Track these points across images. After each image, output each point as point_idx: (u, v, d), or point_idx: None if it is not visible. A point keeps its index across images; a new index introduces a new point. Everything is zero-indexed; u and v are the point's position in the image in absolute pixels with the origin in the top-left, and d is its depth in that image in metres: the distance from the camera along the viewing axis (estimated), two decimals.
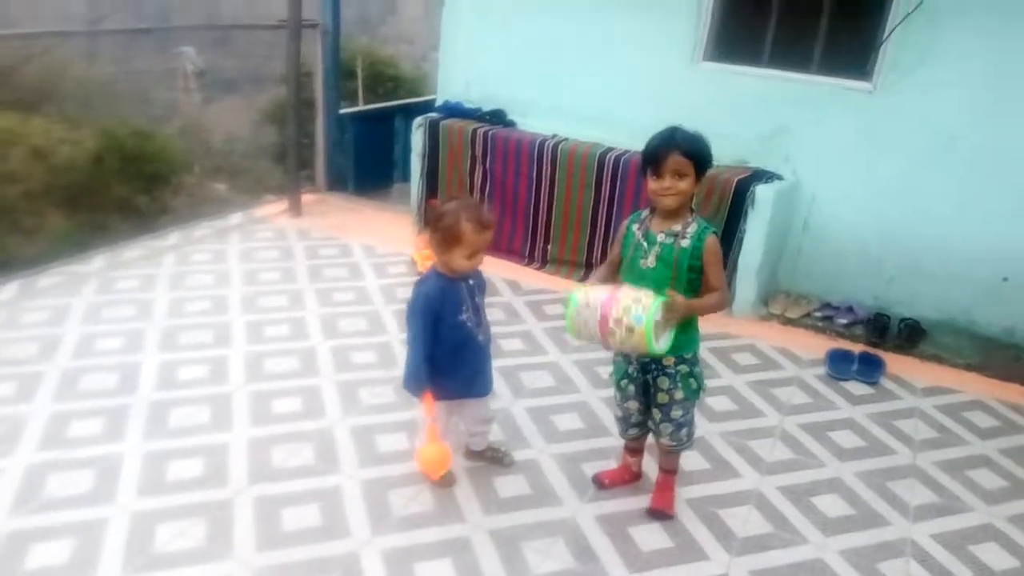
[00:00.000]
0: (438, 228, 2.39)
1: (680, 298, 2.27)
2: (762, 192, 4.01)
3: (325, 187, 5.87)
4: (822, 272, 4.33)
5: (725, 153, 4.32)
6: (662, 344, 2.24)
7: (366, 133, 5.97)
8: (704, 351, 3.23)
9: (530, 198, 4.67)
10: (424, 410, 2.54)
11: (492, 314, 3.99)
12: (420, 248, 4.61)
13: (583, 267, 4.59)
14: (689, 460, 2.83)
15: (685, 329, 2.38)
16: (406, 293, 4.20)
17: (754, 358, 3.81)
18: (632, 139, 4.43)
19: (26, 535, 2.33)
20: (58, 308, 3.72)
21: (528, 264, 4.75)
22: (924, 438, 3.24)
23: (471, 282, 2.51)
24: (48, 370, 3.20)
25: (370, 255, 4.73)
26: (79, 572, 2.21)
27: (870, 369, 3.69)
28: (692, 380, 2.44)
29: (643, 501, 2.68)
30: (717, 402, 3.36)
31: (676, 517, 2.62)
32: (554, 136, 4.63)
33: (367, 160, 5.99)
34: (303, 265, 4.51)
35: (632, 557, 2.44)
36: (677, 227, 2.34)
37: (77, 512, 2.43)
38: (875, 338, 3.99)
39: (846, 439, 3.17)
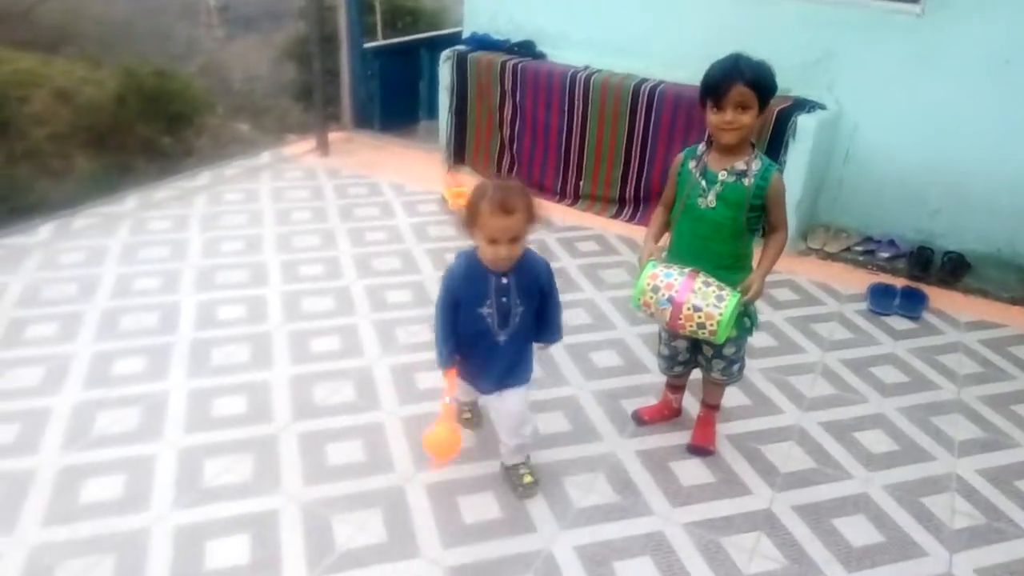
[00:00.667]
0: (467, 204, 2.12)
1: (756, 285, 2.23)
2: (804, 122, 3.88)
3: (351, 125, 5.78)
4: (863, 205, 4.22)
5: None
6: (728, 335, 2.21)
7: (390, 69, 5.84)
8: None
9: (561, 133, 4.57)
10: (445, 386, 2.33)
11: None
12: (450, 186, 4.56)
13: (616, 203, 4.51)
14: (729, 396, 2.80)
15: (741, 267, 2.32)
16: (438, 231, 4.22)
17: (793, 294, 3.75)
18: (667, 69, 4.29)
19: (79, 470, 2.38)
20: (94, 249, 3.74)
21: (560, 201, 4.67)
22: (968, 373, 3.18)
23: (505, 280, 2.15)
24: (88, 310, 3.23)
25: (400, 193, 4.68)
26: (132, 506, 2.26)
27: (912, 303, 3.62)
28: (746, 319, 2.37)
29: (684, 437, 2.67)
30: (757, 338, 3.30)
31: (717, 453, 2.61)
32: (586, 68, 4.49)
33: (392, 97, 5.87)
34: (334, 204, 4.47)
35: (674, 491, 2.44)
36: (740, 164, 2.21)
37: (127, 448, 2.48)
38: (918, 272, 3.90)
39: (889, 374, 3.13)
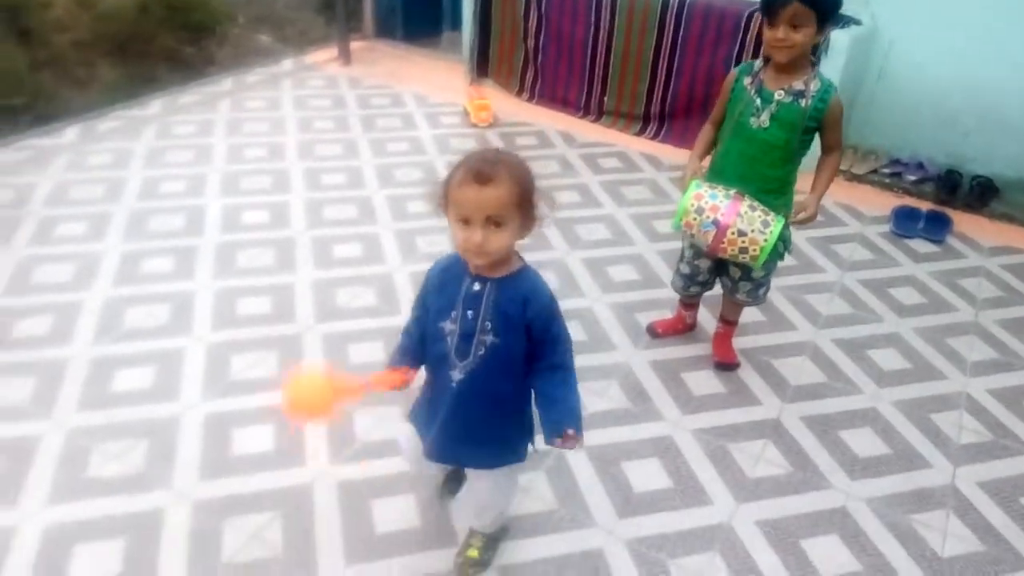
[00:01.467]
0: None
1: (812, 207, 2.21)
2: (838, 37, 3.77)
3: (373, 34, 5.69)
4: (894, 125, 4.12)
5: None
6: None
7: None
8: None
9: (587, 45, 4.47)
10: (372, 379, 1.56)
11: (546, 166, 3.95)
12: (473, 98, 4.51)
13: (640, 120, 4.44)
14: (745, 313, 2.83)
15: (785, 192, 2.29)
16: (460, 144, 4.20)
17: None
18: None
19: (111, 361, 2.47)
20: (120, 152, 3.77)
21: (583, 116, 4.61)
22: (987, 297, 3.18)
23: (478, 287, 1.52)
24: (116, 211, 3.28)
25: (422, 104, 4.64)
26: (163, 395, 2.36)
27: (936, 227, 3.59)
28: (780, 243, 2.28)
29: (697, 349, 2.72)
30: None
31: (725, 379, 2.64)
32: None
33: (415, 6, 5.75)
34: (355, 114, 4.45)
35: (684, 400, 2.50)
36: (798, 84, 2.13)
37: (156, 342, 2.57)
38: (944, 196, 3.84)
39: (906, 295, 3.13)
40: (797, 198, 2.32)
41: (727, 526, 2.06)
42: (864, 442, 2.37)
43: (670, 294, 2.90)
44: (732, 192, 2.17)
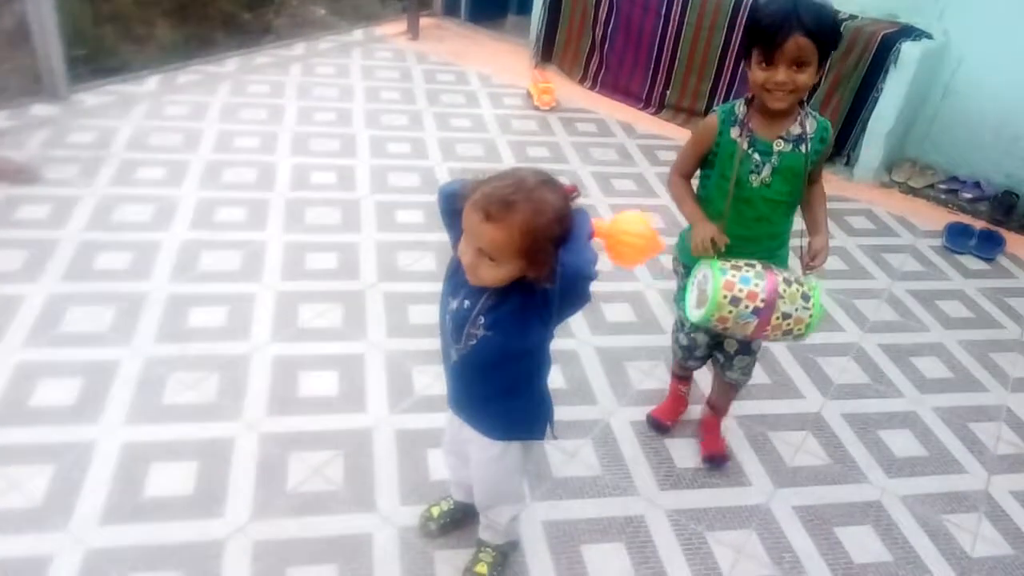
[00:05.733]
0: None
1: (825, 251, 1.88)
2: (908, 50, 3.78)
3: (441, 12, 5.79)
4: (954, 143, 4.13)
5: (872, 5, 4.07)
6: None
7: None
8: None
9: (655, 37, 4.52)
10: None
11: (604, 154, 4.02)
12: (537, 82, 4.59)
13: (701, 117, 4.49)
14: None
15: (786, 241, 1.97)
16: (521, 125, 4.29)
17: (869, 223, 3.76)
18: None
19: (186, 299, 2.61)
20: (198, 104, 3.93)
21: (643, 108, 4.67)
22: None
23: (476, 287, 1.45)
24: (193, 160, 3.43)
25: (486, 84, 4.73)
26: (234, 335, 2.49)
27: (989, 245, 3.60)
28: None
29: None
30: (828, 262, 3.35)
31: (774, 359, 2.71)
32: None
33: None
34: (421, 88, 4.56)
35: None
36: (795, 127, 1.81)
37: (229, 286, 2.70)
38: (999, 216, 3.85)
39: (954, 308, 3.17)
40: (797, 240, 1.98)
41: (764, 507, 2.14)
42: (902, 443, 2.43)
43: None
44: (758, 267, 1.78)
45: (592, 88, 4.85)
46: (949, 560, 2.06)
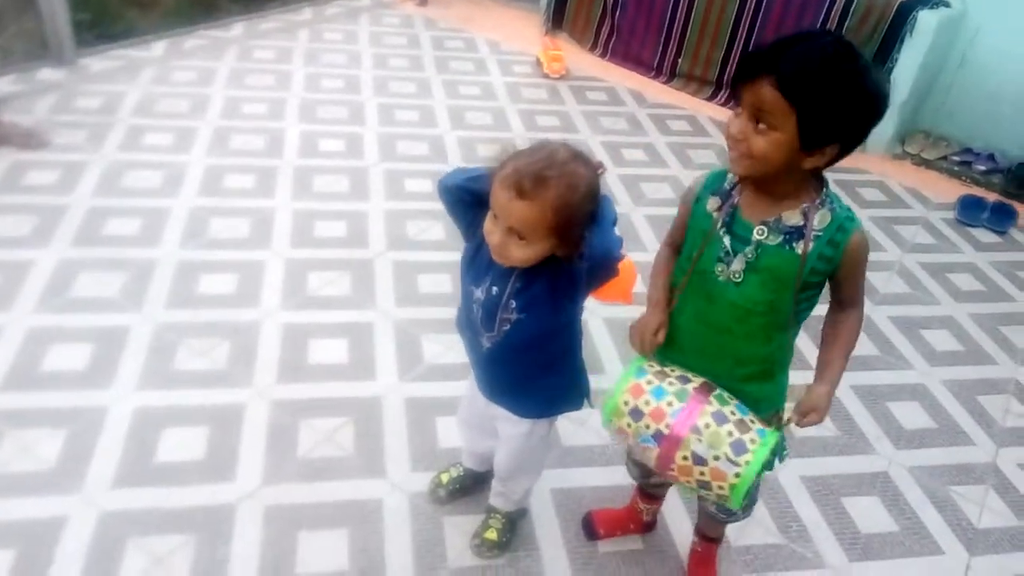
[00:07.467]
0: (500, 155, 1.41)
1: (821, 410, 1.38)
2: (925, 18, 3.72)
3: None
4: (970, 114, 4.07)
5: None
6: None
7: None
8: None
9: (668, 3, 4.44)
10: None
11: (614, 123, 3.99)
12: (547, 49, 4.53)
13: (712, 85, 4.44)
14: None
15: (771, 377, 1.48)
16: (531, 94, 4.24)
17: (882, 195, 3.73)
18: None
19: (196, 266, 2.61)
20: (205, 70, 3.89)
21: (655, 77, 4.61)
22: None
23: (504, 269, 1.41)
24: (201, 126, 3.41)
25: (495, 51, 4.68)
26: (244, 301, 2.49)
27: (1001, 218, 3.57)
28: (775, 458, 1.41)
29: None
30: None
31: None
32: None
33: None
34: (430, 55, 4.51)
35: None
36: (792, 215, 1.29)
37: (238, 253, 2.70)
38: (1013, 188, 3.81)
39: (965, 281, 3.15)
40: (796, 381, 1.53)
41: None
42: (911, 415, 2.43)
43: None
44: (690, 386, 1.40)
45: (603, 56, 4.79)
46: (955, 531, 2.07)
